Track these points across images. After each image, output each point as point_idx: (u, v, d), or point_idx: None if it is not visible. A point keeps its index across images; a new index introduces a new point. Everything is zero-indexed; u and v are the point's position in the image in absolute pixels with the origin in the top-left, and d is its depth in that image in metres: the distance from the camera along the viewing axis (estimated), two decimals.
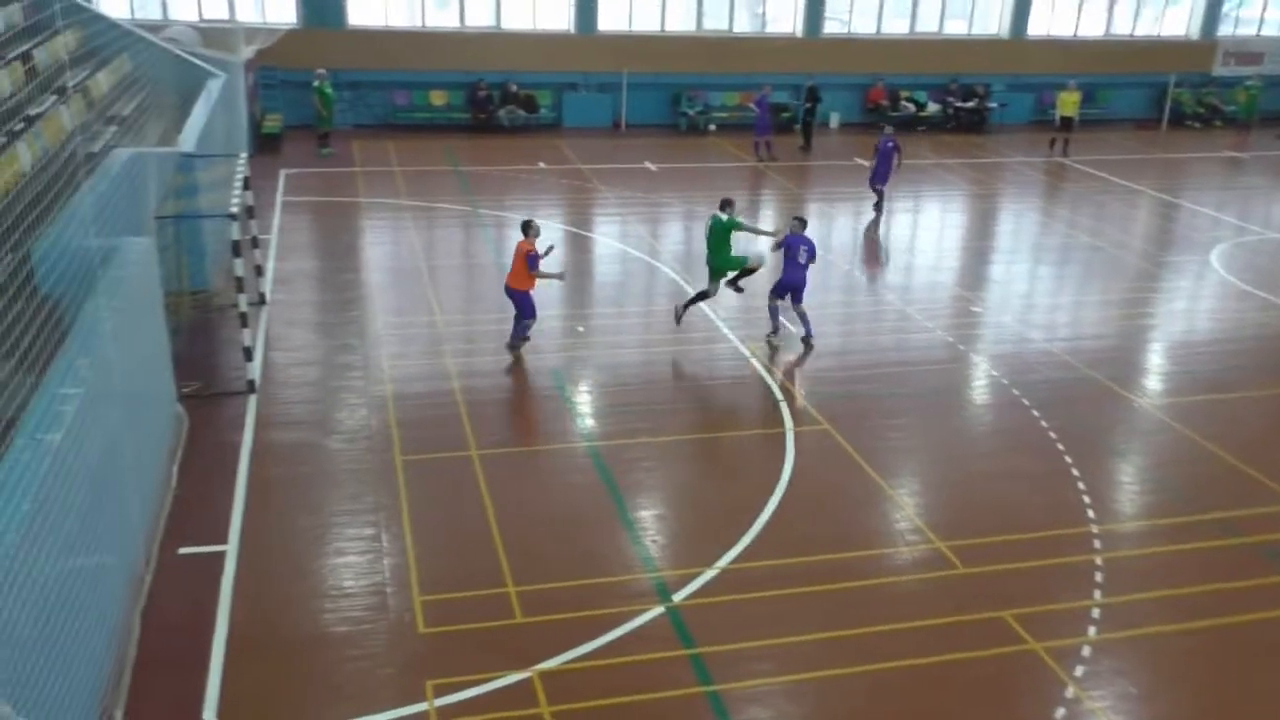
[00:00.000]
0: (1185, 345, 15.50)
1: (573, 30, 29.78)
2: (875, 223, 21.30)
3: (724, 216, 14.32)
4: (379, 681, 8.00)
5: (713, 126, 30.24)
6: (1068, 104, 28.16)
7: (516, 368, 13.76)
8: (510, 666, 8.12)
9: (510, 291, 13.85)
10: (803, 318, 14.61)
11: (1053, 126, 29.01)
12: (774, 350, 14.44)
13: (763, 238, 15.75)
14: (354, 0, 28.27)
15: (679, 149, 28.08)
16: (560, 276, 14.47)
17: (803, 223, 14.80)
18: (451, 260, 18.56)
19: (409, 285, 16.56)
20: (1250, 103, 32.72)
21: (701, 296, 14.81)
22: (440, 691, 7.85)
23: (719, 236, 14.36)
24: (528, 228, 13.76)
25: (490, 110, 29.02)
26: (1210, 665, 8.57)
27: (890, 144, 21.24)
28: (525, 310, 13.92)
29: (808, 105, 28.33)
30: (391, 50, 28.48)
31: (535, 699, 7.81)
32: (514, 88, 29.23)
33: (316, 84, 25.16)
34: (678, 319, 14.67)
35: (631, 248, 19.20)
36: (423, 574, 9.27)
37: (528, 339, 14.12)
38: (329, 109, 25.37)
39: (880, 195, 21.51)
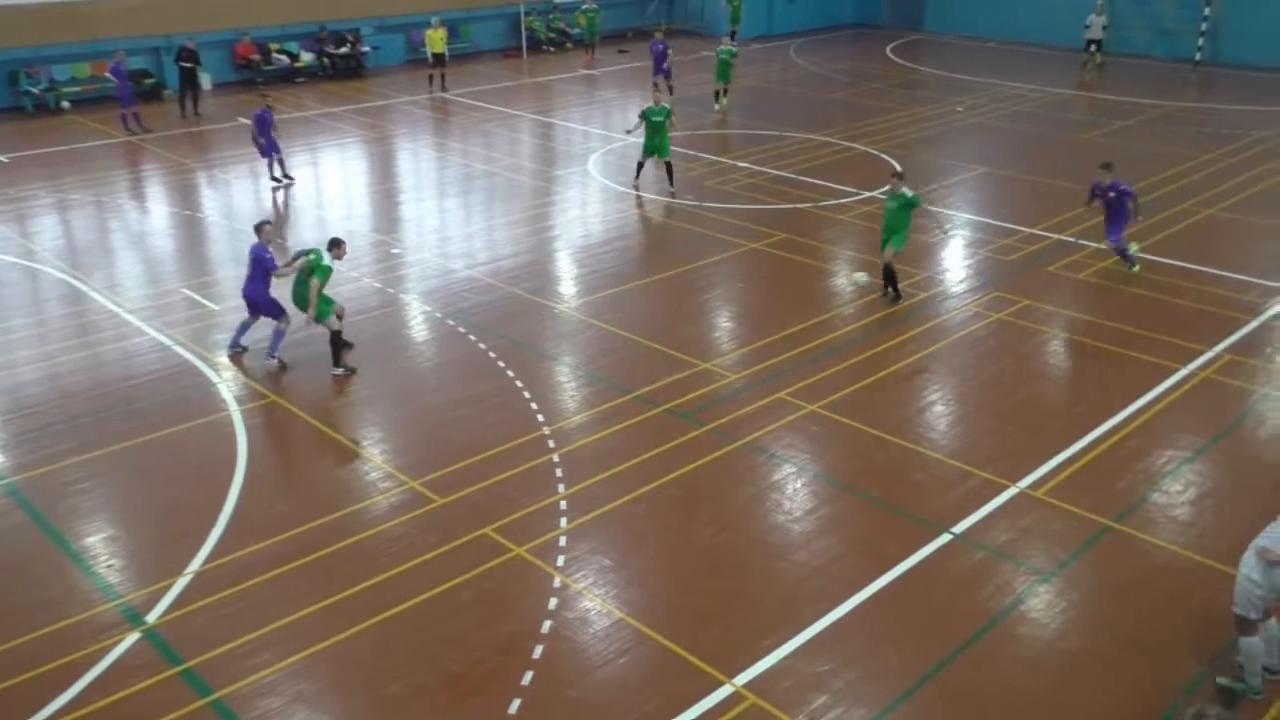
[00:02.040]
0: (585, 249, 17.11)
1: None
2: (277, 186, 20.52)
3: (311, 256, 12.40)
4: None
5: (66, 104, 27.04)
6: (435, 40, 29.21)
7: None
8: None
9: None
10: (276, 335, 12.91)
11: (427, 64, 29.97)
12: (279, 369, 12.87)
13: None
14: None
15: (31, 133, 24.76)
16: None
17: (261, 229, 12.95)
18: None
19: None
20: (590, 24, 36.27)
21: (338, 342, 12.62)
22: None
23: (304, 275, 12.41)
24: None
25: None
26: (659, 521, 9.78)
27: (264, 114, 20.14)
28: None
29: (187, 66, 26.20)
30: None
31: None
32: None
33: None
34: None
35: (0, 253, 16.72)
36: None
37: None
38: None
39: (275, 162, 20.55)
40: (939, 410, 11.87)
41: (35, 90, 26.81)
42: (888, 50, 36.11)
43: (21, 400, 11.99)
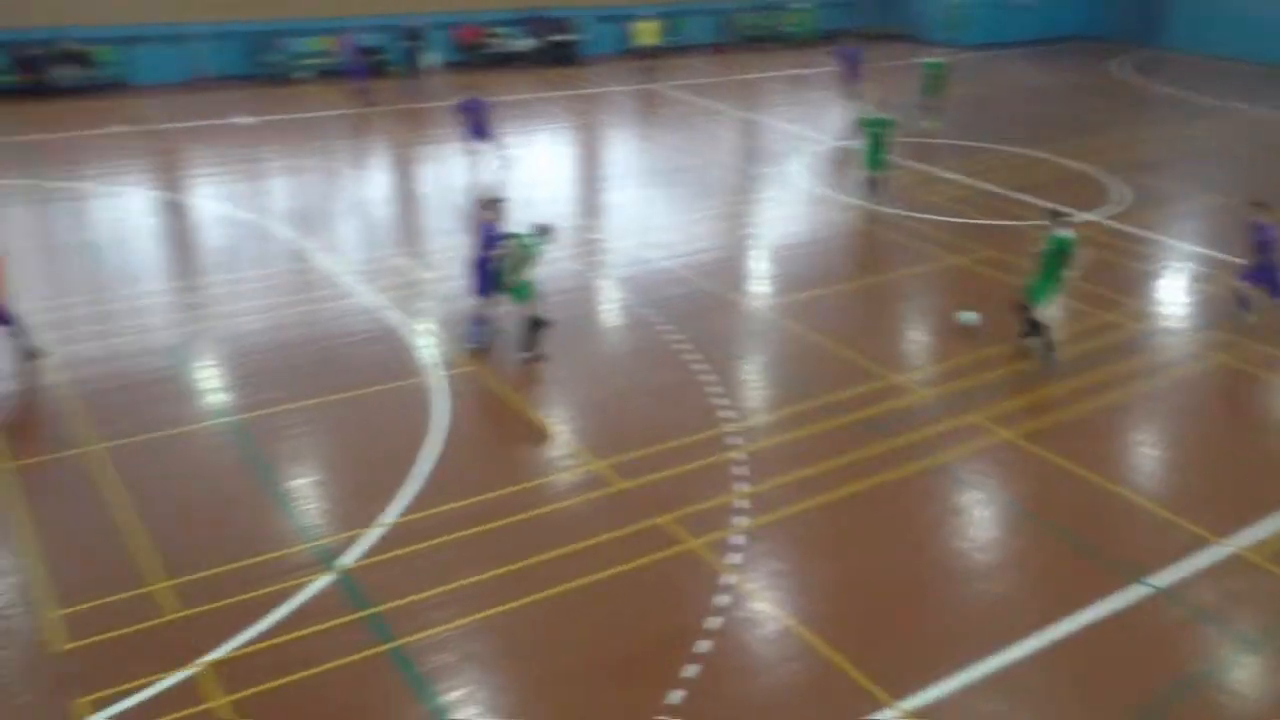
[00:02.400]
0: (784, 249, 17.00)
1: None
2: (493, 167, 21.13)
3: (523, 239, 12.53)
4: (16, 713, 7.15)
5: (306, 74, 28.79)
6: (648, 33, 29.61)
7: (128, 352, 12.53)
8: (175, 665, 7.58)
9: None
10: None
11: (639, 55, 30.40)
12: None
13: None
14: None
15: (271, 100, 26.51)
16: None
17: (491, 205, 13.15)
18: (26, 242, 16.39)
19: None
20: (803, 23, 35.99)
21: (536, 325, 12.70)
22: (99, 706, 7.20)
23: (526, 256, 12.59)
24: None
25: (42, 71, 25.73)
26: (840, 531, 9.61)
27: (473, 103, 20.66)
28: None
29: (414, 46, 27.62)
30: None
31: (209, 692, 7.34)
32: (69, 44, 26.06)
33: None
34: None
35: (236, 208, 17.97)
36: (58, 587, 8.37)
37: (37, 353, 12.22)
38: None
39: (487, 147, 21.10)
40: (1145, 452, 11.21)
41: (276, 60, 28.66)
42: (1116, 65, 34.31)
43: (245, 346, 12.87)
